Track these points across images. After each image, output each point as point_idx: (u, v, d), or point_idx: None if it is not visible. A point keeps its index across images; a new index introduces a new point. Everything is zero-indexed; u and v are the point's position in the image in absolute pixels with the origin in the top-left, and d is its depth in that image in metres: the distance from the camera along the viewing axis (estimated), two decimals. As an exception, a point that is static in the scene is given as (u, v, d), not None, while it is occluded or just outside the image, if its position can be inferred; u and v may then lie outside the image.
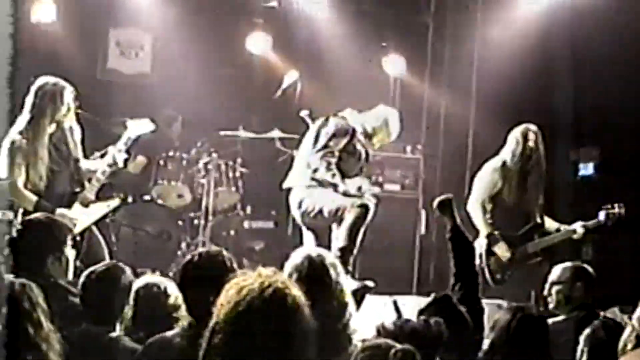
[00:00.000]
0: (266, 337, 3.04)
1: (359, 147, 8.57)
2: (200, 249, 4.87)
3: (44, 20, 10.97)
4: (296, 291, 3.15)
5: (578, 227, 8.73)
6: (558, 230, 8.84)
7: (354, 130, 8.54)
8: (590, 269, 6.76)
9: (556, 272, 6.72)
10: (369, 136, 8.71)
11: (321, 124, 8.61)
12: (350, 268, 8.05)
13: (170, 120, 11.35)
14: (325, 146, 8.41)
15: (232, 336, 3.04)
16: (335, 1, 12.14)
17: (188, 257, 4.73)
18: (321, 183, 8.35)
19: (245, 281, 3.12)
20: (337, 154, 8.38)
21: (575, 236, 8.76)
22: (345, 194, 8.25)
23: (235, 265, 4.67)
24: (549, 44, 11.80)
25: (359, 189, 8.30)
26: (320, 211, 8.28)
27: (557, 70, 11.98)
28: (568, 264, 6.80)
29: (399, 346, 3.68)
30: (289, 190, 8.59)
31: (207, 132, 11.13)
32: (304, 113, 9.13)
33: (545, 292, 6.74)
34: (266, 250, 11.27)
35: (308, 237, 8.53)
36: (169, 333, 4.58)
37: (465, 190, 11.08)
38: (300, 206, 8.41)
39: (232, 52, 12.24)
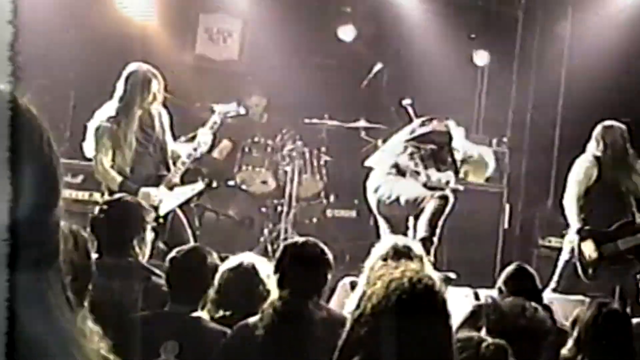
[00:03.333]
0: (413, 333, 3.01)
1: (455, 157, 8.58)
2: (302, 238, 4.95)
3: (134, 5, 11.09)
4: (443, 288, 3.12)
5: None
6: None
7: (450, 138, 8.52)
8: None
9: None
10: (464, 162, 8.71)
11: (422, 122, 8.62)
12: (432, 259, 8.03)
13: (254, 102, 11.39)
14: (416, 139, 8.42)
15: (379, 330, 3.01)
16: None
17: (288, 242, 4.83)
18: (402, 172, 8.34)
19: (392, 275, 3.08)
20: (427, 150, 8.37)
21: None
22: (426, 185, 8.23)
23: (328, 252, 4.76)
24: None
25: (447, 183, 8.28)
26: (397, 199, 8.26)
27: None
28: None
29: (490, 340, 3.65)
30: (368, 174, 8.61)
31: (292, 119, 11.15)
32: (406, 102, 9.14)
33: None
34: (348, 239, 11.25)
35: (383, 226, 8.51)
36: (257, 317, 4.62)
37: (551, 185, 10.99)
38: (376, 191, 8.40)
39: (321, 40, 12.24)
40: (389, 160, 8.47)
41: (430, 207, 8.13)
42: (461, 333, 4.00)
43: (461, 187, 8.71)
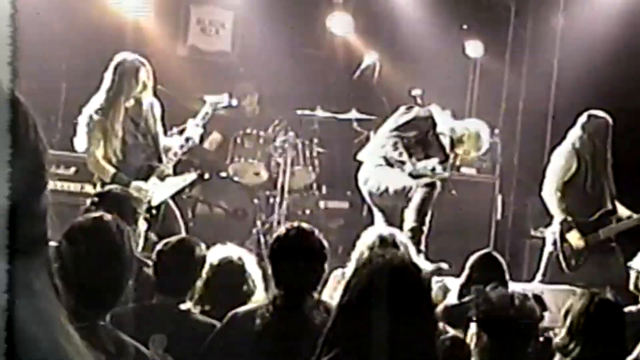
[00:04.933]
0: (397, 320, 3.01)
1: (441, 141, 8.59)
2: (294, 224, 4.85)
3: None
4: (429, 276, 3.13)
5: None
6: (629, 217, 8.73)
7: (434, 123, 8.54)
8: None
9: None
10: (455, 143, 8.71)
11: (404, 110, 8.64)
12: (422, 248, 8.06)
13: (245, 93, 11.37)
14: (399, 129, 8.45)
15: (364, 318, 3.01)
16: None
17: (282, 230, 4.79)
18: (389, 162, 8.38)
19: (377, 262, 3.09)
20: (410, 139, 8.39)
21: None
22: (412, 175, 8.26)
23: (326, 244, 4.72)
24: (634, 26, 11.59)
25: (433, 170, 8.30)
26: (386, 190, 8.34)
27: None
28: None
29: (449, 334, 3.67)
30: (359, 166, 8.66)
31: (285, 110, 11.15)
32: (415, 92, 9.20)
33: (632, 278, 6.68)
34: (341, 230, 11.26)
35: (378, 216, 8.56)
36: (252, 305, 4.62)
37: (543, 175, 11.00)
38: (366, 183, 8.48)
39: (313, 31, 12.24)
40: (376, 152, 8.52)
41: (417, 196, 8.19)
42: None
43: (447, 174, 8.71)
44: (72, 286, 3.31)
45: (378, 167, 8.45)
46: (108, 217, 3.84)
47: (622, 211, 8.81)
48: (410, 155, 8.35)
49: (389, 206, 8.41)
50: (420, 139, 8.50)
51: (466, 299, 5.32)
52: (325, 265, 4.67)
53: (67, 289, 1.42)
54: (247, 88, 11.43)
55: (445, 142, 8.65)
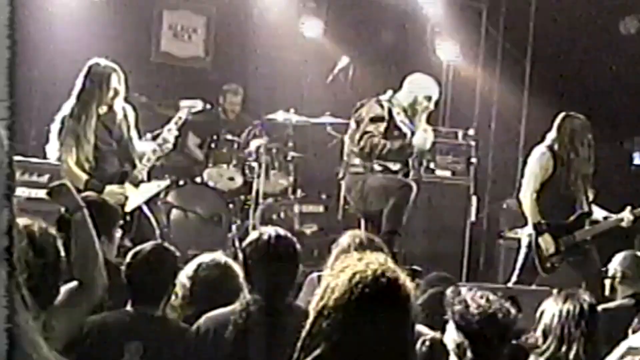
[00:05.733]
0: (376, 326, 3.01)
1: (403, 128, 8.59)
2: (270, 229, 4.82)
3: (98, 2, 11.04)
4: (408, 281, 3.12)
5: (626, 214, 8.63)
6: (606, 218, 8.76)
7: (390, 113, 8.54)
8: None
9: (618, 258, 6.69)
10: (412, 113, 8.70)
11: (355, 111, 8.66)
12: (396, 250, 8.07)
13: (232, 93, 11.38)
14: (365, 132, 8.46)
15: (341, 323, 2.99)
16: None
17: (256, 234, 4.76)
18: (366, 168, 8.40)
19: (356, 267, 3.06)
20: (378, 135, 8.41)
21: (623, 224, 8.66)
22: (385, 171, 8.29)
23: (299, 247, 4.71)
24: (609, 27, 11.67)
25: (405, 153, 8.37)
26: (367, 197, 8.34)
27: (614, 56, 11.83)
28: (630, 252, 6.77)
29: (428, 335, 3.67)
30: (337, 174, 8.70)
31: (259, 115, 11.14)
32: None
33: (609, 276, 6.71)
34: (316, 235, 11.26)
35: (363, 222, 8.59)
36: (226, 310, 4.60)
37: (517, 177, 11.03)
38: (349, 192, 8.49)
39: (286, 35, 12.23)
40: (350, 162, 8.56)
41: (392, 199, 8.20)
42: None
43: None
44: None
45: (357, 175, 8.48)
46: (38, 224, 3.87)
47: (599, 212, 8.83)
48: (377, 156, 8.40)
49: (373, 212, 8.42)
50: (388, 133, 8.53)
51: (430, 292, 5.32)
52: (298, 269, 4.66)
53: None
54: (221, 92, 11.42)
55: (407, 122, 8.64)
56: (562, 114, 8.75)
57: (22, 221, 3.65)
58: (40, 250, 3.87)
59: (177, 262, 5.11)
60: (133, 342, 4.57)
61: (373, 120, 8.50)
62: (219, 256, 5.38)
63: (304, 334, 3.08)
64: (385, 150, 8.40)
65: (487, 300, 3.97)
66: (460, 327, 3.94)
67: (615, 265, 6.67)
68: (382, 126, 8.50)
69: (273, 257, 4.57)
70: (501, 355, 4.02)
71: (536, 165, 8.70)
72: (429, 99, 8.76)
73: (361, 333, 2.97)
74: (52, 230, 4.02)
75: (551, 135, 8.71)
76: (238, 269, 5.12)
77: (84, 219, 4.57)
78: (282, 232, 4.77)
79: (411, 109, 8.72)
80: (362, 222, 8.64)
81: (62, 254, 4.07)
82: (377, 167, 8.46)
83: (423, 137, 8.63)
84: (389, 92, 8.76)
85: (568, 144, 8.63)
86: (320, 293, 3.10)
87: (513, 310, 4.03)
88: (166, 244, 5.25)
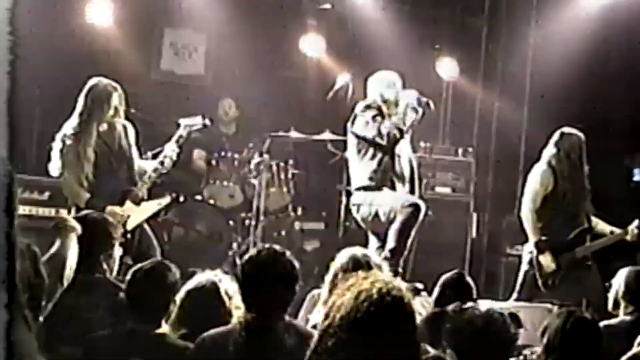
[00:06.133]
0: (381, 345, 3.01)
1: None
2: (267, 246, 4.81)
3: (99, 21, 11.06)
4: (412, 300, 3.12)
5: (632, 227, 8.62)
6: (612, 232, 8.75)
7: (379, 107, 8.53)
8: None
9: (623, 274, 6.68)
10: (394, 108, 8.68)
11: (351, 122, 8.64)
12: (400, 269, 8.05)
13: (221, 118, 11.39)
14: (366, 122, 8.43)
15: (347, 341, 3.00)
16: (388, 3, 12.14)
17: (253, 252, 4.76)
18: (377, 186, 8.36)
19: (361, 285, 3.07)
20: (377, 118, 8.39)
21: (627, 237, 8.65)
22: (381, 135, 8.26)
23: (297, 265, 4.70)
24: (605, 45, 11.70)
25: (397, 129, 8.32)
26: (377, 214, 8.32)
27: (612, 73, 11.86)
28: (634, 268, 6.75)
29: (432, 352, 3.68)
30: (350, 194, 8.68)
31: (259, 132, 11.15)
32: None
33: (611, 295, 6.69)
34: (317, 252, 11.26)
35: (372, 240, 8.56)
36: (223, 329, 4.60)
37: (517, 193, 11.03)
38: (358, 211, 8.47)
39: (286, 53, 12.26)
40: (359, 177, 8.51)
41: (400, 217, 8.16)
42: None
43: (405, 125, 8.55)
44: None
45: (367, 191, 8.44)
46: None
47: (604, 227, 8.82)
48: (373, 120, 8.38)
49: (381, 229, 8.40)
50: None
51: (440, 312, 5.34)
52: (296, 286, 4.65)
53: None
54: (222, 110, 11.43)
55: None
56: (558, 131, 8.77)
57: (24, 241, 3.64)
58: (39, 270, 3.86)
59: (178, 280, 5.11)
60: (133, 359, 4.57)
61: (365, 110, 8.47)
62: (210, 277, 5.35)
63: (309, 352, 3.09)
64: (388, 124, 8.33)
65: (484, 317, 3.98)
66: (452, 346, 3.96)
67: (619, 280, 6.67)
68: (374, 112, 8.46)
69: (270, 275, 4.56)
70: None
71: (536, 182, 8.71)
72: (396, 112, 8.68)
73: (367, 351, 2.98)
74: (35, 248, 3.98)
75: (548, 151, 8.73)
76: (229, 290, 5.12)
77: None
78: (279, 249, 4.75)
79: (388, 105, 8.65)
80: (372, 238, 8.59)
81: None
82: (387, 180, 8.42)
83: (407, 93, 8.58)
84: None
85: (566, 160, 8.65)
86: (326, 311, 3.10)
87: (511, 327, 4.04)
88: (167, 262, 5.25)
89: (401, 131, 8.30)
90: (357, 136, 8.47)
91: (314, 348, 3.08)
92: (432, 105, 8.52)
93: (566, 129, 8.78)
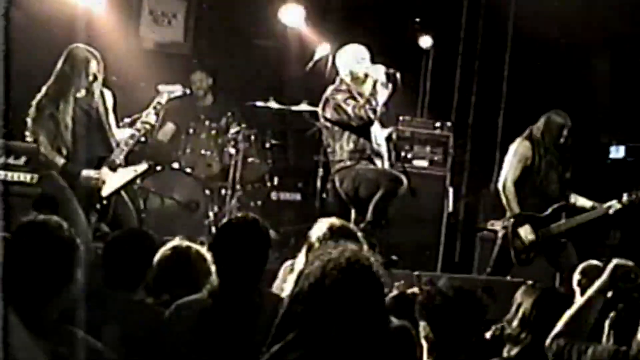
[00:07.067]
0: (349, 312, 3.03)
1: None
2: (241, 214, 4.86)
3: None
4: (381, 269, 3.14)
5: (614, 202, 8.65)
6: (593, 207, 8.79)
7: (349, 89, 8.53)
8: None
9: (580, 267, 6.65)
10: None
11: (322, 108, 8.63)
12: (375, 241, 8.07)
13: (200, 86, 11.33)
14: (337, 105, 8.42)
15: (316, 308, 3.03)
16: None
17: (226, 220, 4.77)
18: (360, 156, 8.38)
19: (330, 254, 3.09)
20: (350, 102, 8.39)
21: (610, 212, 8.67)
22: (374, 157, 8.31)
23: (271, 233, 4.71)
24: (586, 23, 11.70)
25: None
26: (358, 189, 8.34)
27: (592, 51, 11.88)
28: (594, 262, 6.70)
29: (396, 322, 3.70)
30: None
31: (238, 102, 11.12)
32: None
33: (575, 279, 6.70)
34: (293, 222, 11.27)
35: (353, 212, 8.59)
36: (197, 296, 4.61)
37: (494, 168, 11.08)
38: (342, 185, 8.48)
39: (266, 23, 12.20)
40: (342, 153, 8.51)
41: (380, 190, 8.19)
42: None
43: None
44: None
45: (345, 169, 8.46)
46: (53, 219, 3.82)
47: (584, 202, 8.86)
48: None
49: (363, 202, 8.42)
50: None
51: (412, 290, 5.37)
52: (267, 254, 4.67)
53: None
54: (200, 78, 11.37)
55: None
56: (557, 118, 8.75)
57: None
58: None
59: (155, 247, 5.11)
60: (110, 325, 4.56)
61: (335, 94, 8.47)
62: (182, 242, 5.36)
63: (278, 319, 3.11)
64: (357, 106, 8.32)
65: (454, 289, 4.01)
66: (424, 315, 3.98)
67: (576, 274, 6.66)
68: (345, 94, 8.45)
69: (243, 243, 4.58)
70: (470, 345, 4.06)
71: (515, 154, 8.75)
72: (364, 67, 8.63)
73: (334, 319, 3.00)
74: None
75: (534, 127, 8.75)
76: (206, 253, 5.13)
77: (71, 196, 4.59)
78: (253, 217, 4.77)
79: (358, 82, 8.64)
80: (352, 211, 8.62)
81: None
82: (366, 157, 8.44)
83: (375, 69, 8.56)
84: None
85: (548, 138, 8.69)
86: (295, 279, 3.13)
87: (482, 299, 4.07)
88: (144, 229, 5.25)
89: (374, 111, 8.30)
90: (331, 121, 8.46)
91: (282, 314, 3.10)
92: (398, 76, 8.47)
93: (553, 111, 8.79)
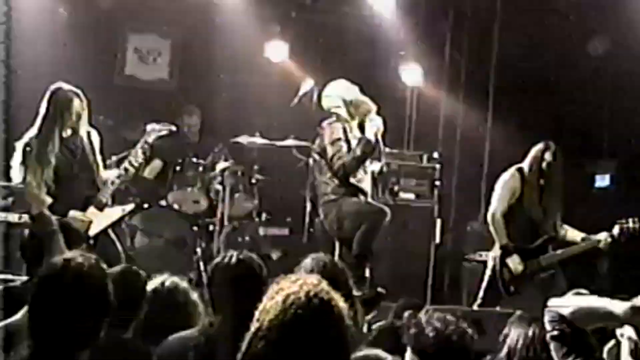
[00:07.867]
0: (309, 347, 3.01)
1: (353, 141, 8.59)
2: (234, 252, 4.85)
3: (61, 26, 11.02)
4: (341, 302, 3.12)
5: (604, 236, 8.65)
6: (583, 239, 8.79)
7: (345, 131, 8.57)
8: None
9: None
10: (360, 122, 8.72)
11: (315, 144, 8.67)
12: (366, 274, 8.10)
13: (186, 124, 11.35)
14: (332, 156, 8.47)
15: (275, 344, 2.99)
16: (352, 10, 12.17)
17: (220, 257, 4.79)
18: (338, 194, 8.41)
19: (290, 289, 3.07)
20: (344, 155, 8.43)
21: (601, 245, 8.67)
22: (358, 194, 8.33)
23: (265, 272, 4.71)
24: (566, 55, 11.76)
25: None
26: (343, 223, 8.36)
27: (574, 82, 11.92)
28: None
29: (390, 358, 3.69)
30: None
31: (224, 138, 11.13)
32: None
33: None
34: (282, 257, 11.26)
35: (337, 245, 8.61)
36: (188, 332, 4.60)
37: (481, 199, 11.09)
38: (326, 218, 8.51)
39: (250, 59, 12.24)
40: (323, 190, 8.56)
41: (365, 224, 8.22)
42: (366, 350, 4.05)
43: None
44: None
45: (330, 203, 8.50)
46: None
47: (574, 235, 8.85)
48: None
49: (347, 237, 8.44)
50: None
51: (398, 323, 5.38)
52: (262, 291, 4.66)
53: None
54: (187, 116, 11.39)
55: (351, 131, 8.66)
56: (540, 144, 8.77)
57: None
58: None
59: (145, 286, 5.10)
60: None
61: (334, 143, 8.52)
62: (165, 278, 5.35)
63: (239, 355, 3.09)
64: (353, 161, 8.40)
65: (444, 322, 3.99)
66: (415, 350, 3.96)
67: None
68: (345, 146, 8.51)
69: (237, 280, 4.58)
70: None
71: (504, 187, 8.75)
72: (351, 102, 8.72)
73: (295, 354, 2.98)
74: None
75: (525, 160, 8.76)
76: (192, 292, 5.12)
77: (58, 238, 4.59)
78: (246, 254, 4.77)
79: (354, 113, 8.70)
80: (337, 245, 8.64)
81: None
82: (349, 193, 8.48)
83: (370, 125, 8.62)
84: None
85: (538, 171, 8.69)
86: (257, 315, 3.11)
87: (470, 332, 4.05)
88: (134, 268, 5.25)
89: (356, 167, 8.41)
90: (327, 162, 8.53)
91: (244, 351, 3.08)
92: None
93: (543, 142, 8.79)
